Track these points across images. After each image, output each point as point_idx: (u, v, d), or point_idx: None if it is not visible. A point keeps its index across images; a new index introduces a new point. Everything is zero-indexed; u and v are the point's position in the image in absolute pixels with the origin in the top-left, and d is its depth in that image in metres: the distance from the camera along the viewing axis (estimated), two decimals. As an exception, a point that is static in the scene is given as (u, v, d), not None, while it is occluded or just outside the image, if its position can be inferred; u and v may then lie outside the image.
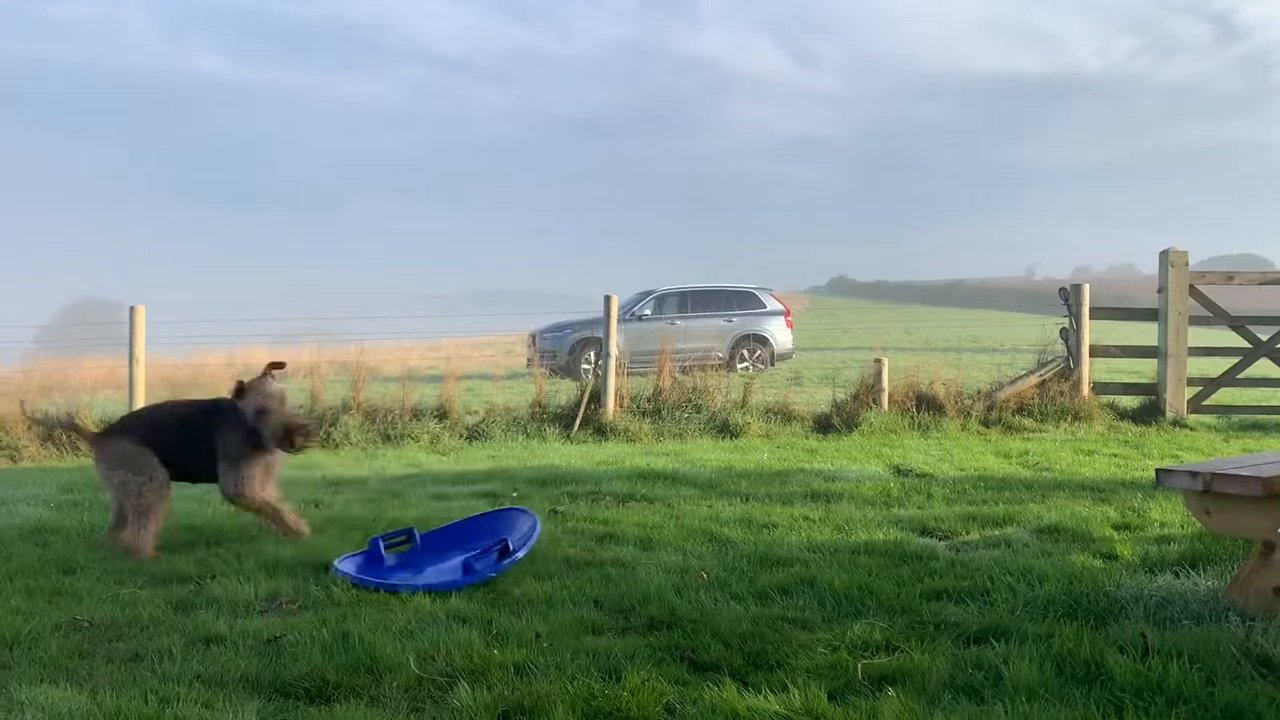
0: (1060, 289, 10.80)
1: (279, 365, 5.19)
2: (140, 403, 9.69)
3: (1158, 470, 3.98)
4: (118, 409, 10.25)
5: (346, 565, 4.39)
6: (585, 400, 10.13)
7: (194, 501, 6.36)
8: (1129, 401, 10.57)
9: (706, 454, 8.40)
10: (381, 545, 4.60)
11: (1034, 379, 10.38)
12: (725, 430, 9.69)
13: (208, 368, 17.27)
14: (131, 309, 9.92)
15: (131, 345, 9.83)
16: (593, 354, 17.46)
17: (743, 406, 10.13)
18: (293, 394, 11.02)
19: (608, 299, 10.65)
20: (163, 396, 10.48)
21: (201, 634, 3.55)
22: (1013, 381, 10.46)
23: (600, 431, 9.83)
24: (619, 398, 10.24)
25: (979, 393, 10.33)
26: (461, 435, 9.75)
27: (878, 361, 10.25)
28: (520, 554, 4.32)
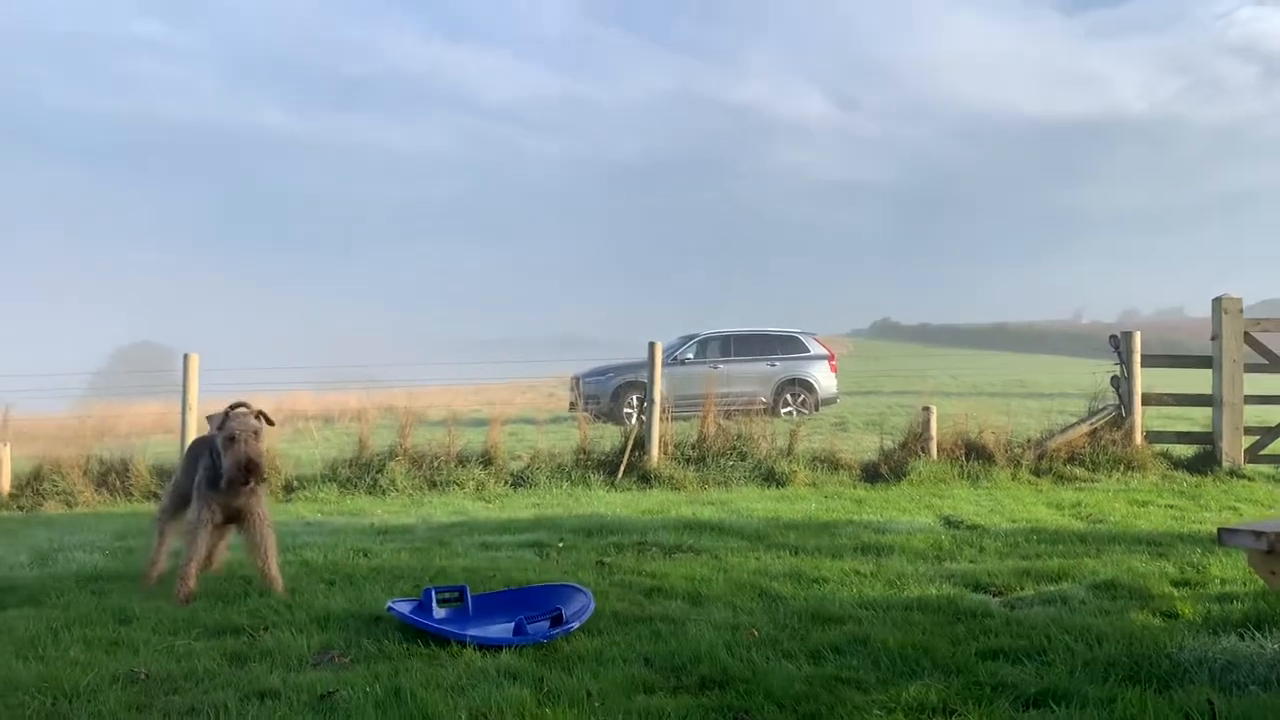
0: (1110, 336, 10.66)
1: (241, 405, 5.19)
2: (192, 449, 9.83)
3: (1220, 530, 3.91)
4: (170, 454, 10.42)
5: (401, 607, 4.43)
6: (629, 447, 10.12)
7: (244, 551, 6.42)
8: (1183, 451, 10.38)
9: (753, 503, 8.35)
10: (434, 596, 4.61)
11: (1085, 427, 10.22)
12: (771, 478, 9.64)
13: (256, 412, 17.50)
14: (185, 356, 10.08)
15: (185, 393, 9.98)
16: (635, 398, 17.48)
17: (789, 454, 10.07)
18: (341, 439, 11.12)
19: (652, 345, 10.68)
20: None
21: (256, 688, 3.57)
22: (1063, 430, 10.31)
23: (645, 479, 9.81)
24: (663, 444, 10.22)
25: (1029, 441, 10.19)
26: (506, 482, 9.77)
27: (925, 409, 10.16)
28: (573, 625, 4.26)
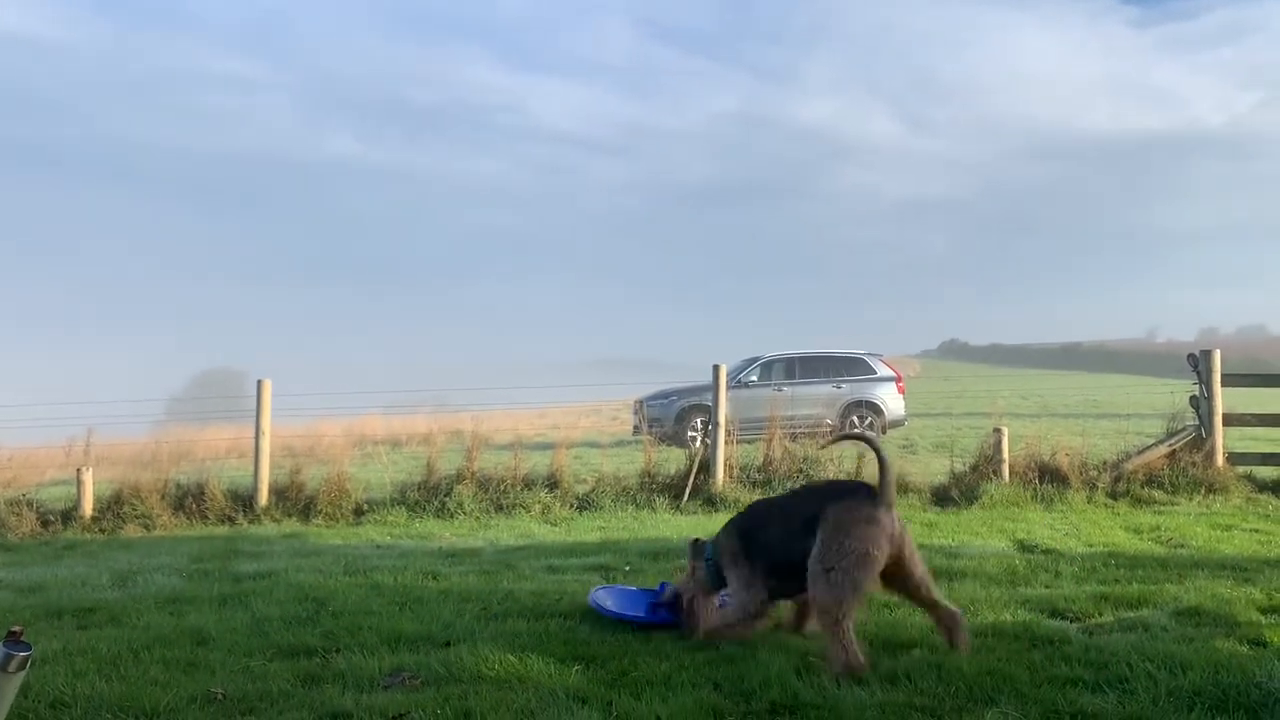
0: (1189, 355, 10.38)
1: None
2: (266, 472, 10.04)
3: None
4: (243, 479, 10.65)
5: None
6: (694, 470, 10.09)
7: (316, 574, 6.53)
8: (1268, 473, 10.02)
9: (820, 527, 8.24)
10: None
11: (1164, 449, 9.94)
12: (838, 502, 9.51)
13: (326, 437, 17.84)
14: (259, 383, 10.31)
15: (258, 418, 10.20)
16: (699, 421, 17.44)
17: (856, 477, 9.93)
18: (409, 462, 11.24)
19: (716, 368, 10.66)
20: (284, 465, 10.87)
21: (329, 709, 3.61)
22: (1141, 451, 10.04)
23: (710, 502, 9.77)
24: (728, 468, 10.17)
25: (1105, 463, 9.94)
26: (572, 505, 9.80)
27: (997, 431, 9.97)
28: None
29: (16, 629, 2.52)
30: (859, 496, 4.22)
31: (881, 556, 4.10)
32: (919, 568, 4.26)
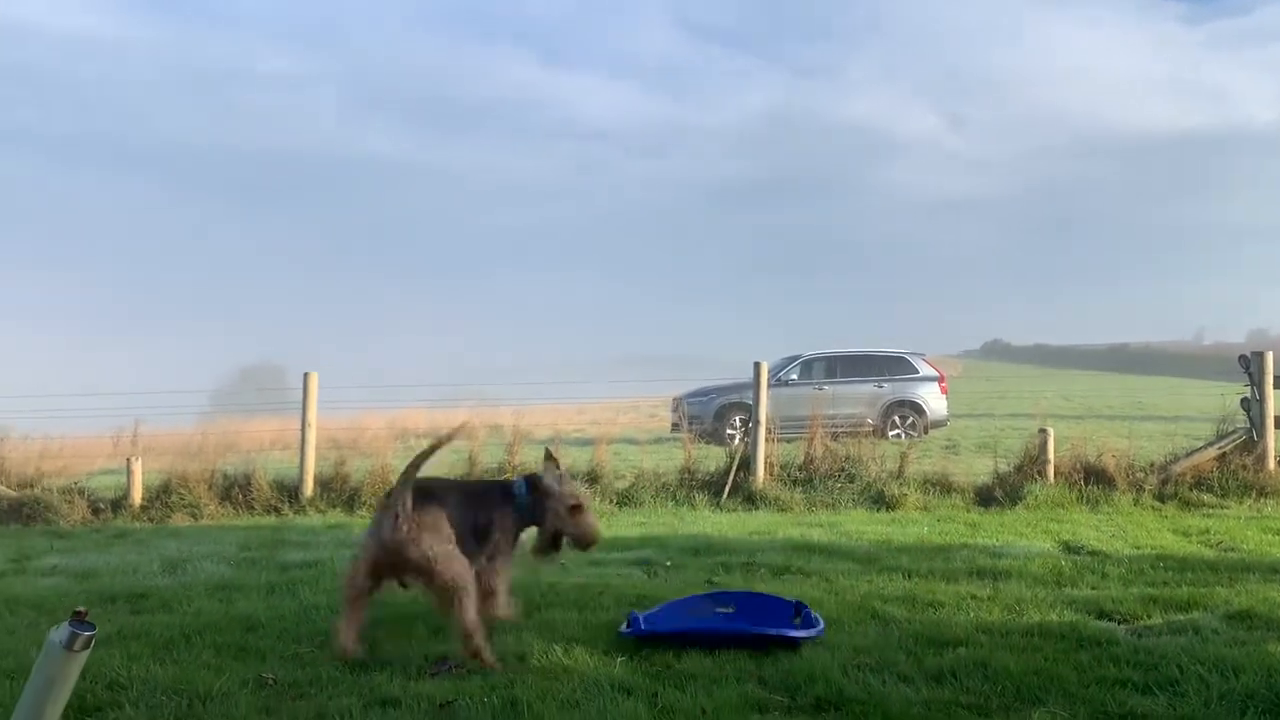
0: (1240, 356, 10.21)
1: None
2: (311, 463, 10.18)
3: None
4: (288, 470, 10.79)
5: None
6: (735, 468, 10.08)
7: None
8: (1321, 477, 9.83)
9: (862, 526, 8.22)
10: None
11: (1213, 451, 9.78)
12: (880, 501, 9.48)
13: (370, 430, 18.04)
14: (306, 375, 10.45)
15: (304, 410, 10.33)
16: (738, 419, 17.41)
17: (899, 477, 9.89)
18: (451, 456, 11.38)
19: (757, 365, 10.64)
20: (329, 457, 11.01)
21: (378, 696, 3.66)
22: (1189, 454, 9.88)
23: (750, 500, 9.76)
24: (769, 465, 10.15)
25: (1152, 465, 9.80)
26: (612, 500, 9.83)
27: (1042, 431, 9.87)
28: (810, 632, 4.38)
29: (81, 610, 2.58)
30: None
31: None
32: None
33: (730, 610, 4.81)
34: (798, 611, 4.61)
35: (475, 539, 4.42)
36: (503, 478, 4.57)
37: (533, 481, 4.60)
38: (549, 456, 4.76)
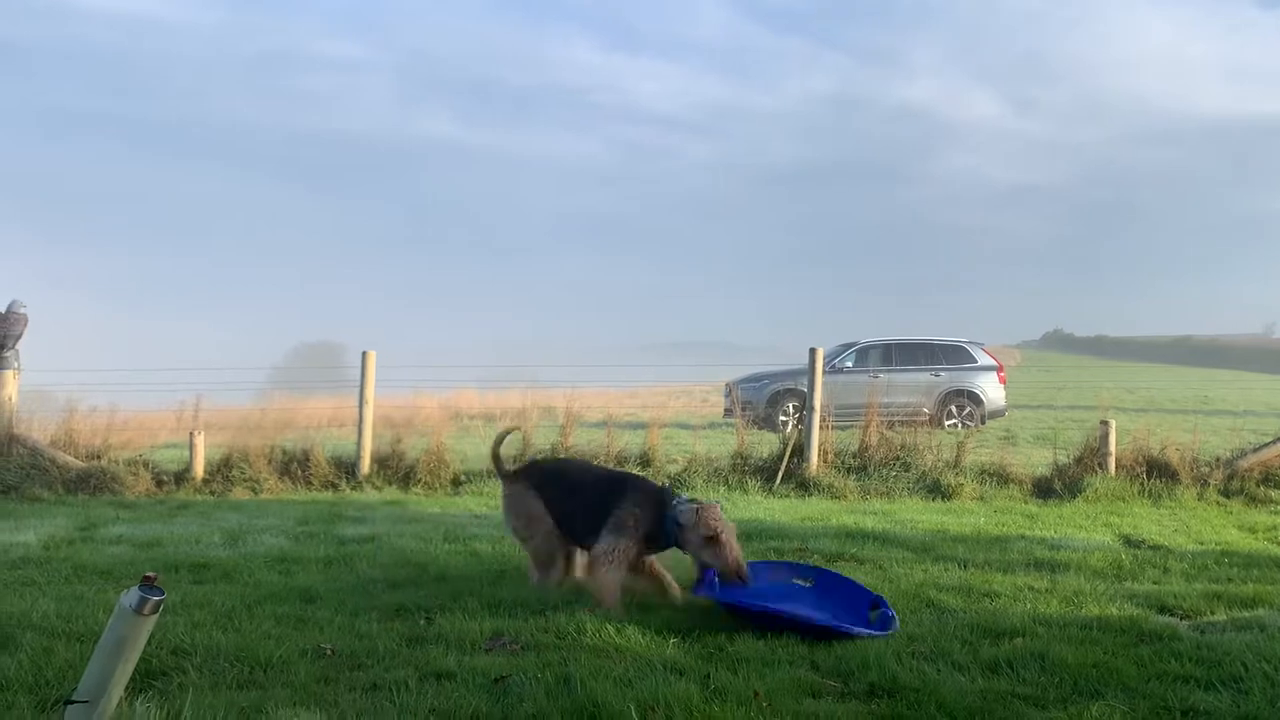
0: (1312, 350, 9.91)
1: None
2: (368, 441, 10.32)
3: None
4: (345, 447, 10.95)
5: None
6: (789, 454, 10.03)
7: (417, 540, 6.70)
8: (1396, 475, 9.53)
9: (917, 515, 8.14)
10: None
11: (1281, 447, 9.52)
12: (936, 491, 9.37)
13: (424, 409, 18.24)
14: (364, 354, 10.56)
15: (362, 387, 10.46)
16: (790, 405, 17.31)
17: (955, 467, 9.76)
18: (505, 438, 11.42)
19: (813, 352, 10.55)
20: (384, 435, 11.16)
21: (433, 669, 3.71)
22: (1257, 449, 9.63)
23: (803, 486, 9.70)
24: (823, 452, 10.08)
25: (1217, 460, 9.57)
26: (663, 484, 9.81)
27: (1104, 423, 9.67)
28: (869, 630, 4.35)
29: (151, 575, 2.64)
30: None
31: None
32: None
33: (808, 584, 4.80)
34: (875, 605, 4.54)
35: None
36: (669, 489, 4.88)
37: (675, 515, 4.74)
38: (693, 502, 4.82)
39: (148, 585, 2.62)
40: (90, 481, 9.86)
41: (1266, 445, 9.66)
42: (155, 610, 2.64)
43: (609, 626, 4.20)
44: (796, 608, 4.52)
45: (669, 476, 9.96)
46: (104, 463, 10.14)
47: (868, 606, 4.55)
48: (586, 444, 10.50)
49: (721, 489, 9.68)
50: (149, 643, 3.74)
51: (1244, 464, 9.40)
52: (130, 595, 2.63)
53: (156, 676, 3.63)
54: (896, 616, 4.44)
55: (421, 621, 4.45)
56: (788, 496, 9.41)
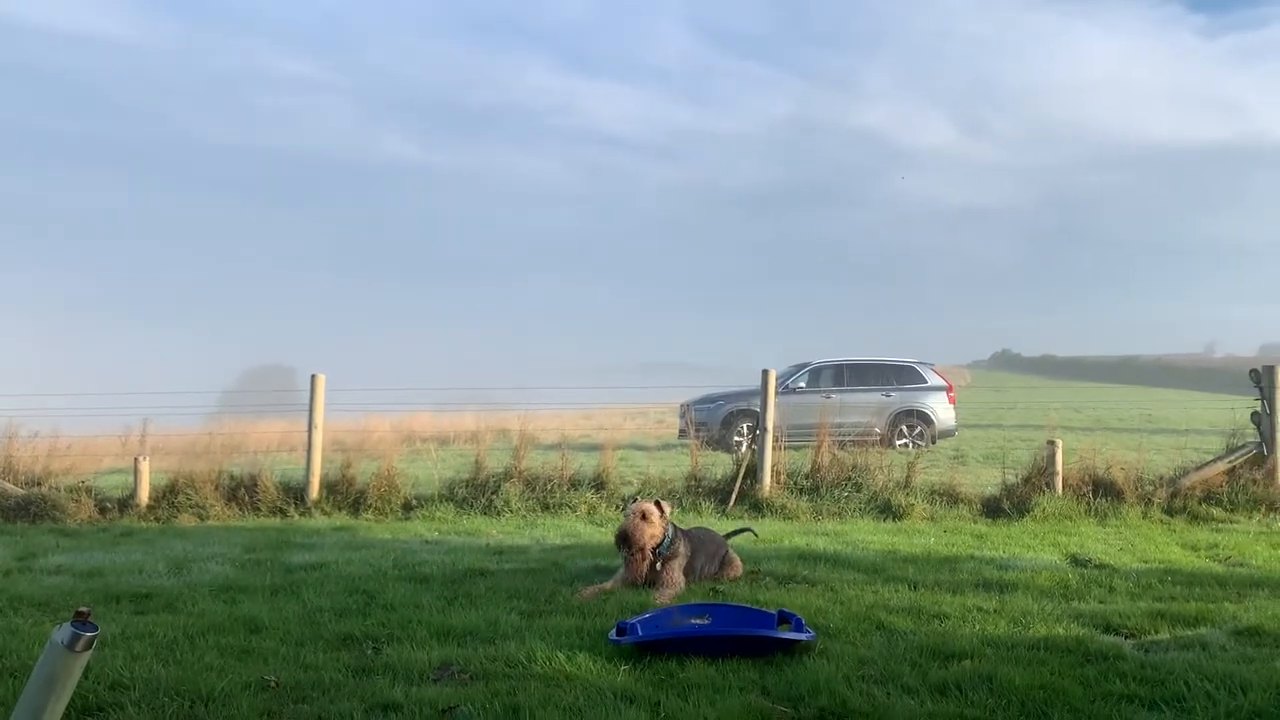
0: (1251, 370, 10.15)
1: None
2: (318, 465, 10.18)
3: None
4: (295, 472, 10.80)
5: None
6: (741, 475, 10.05)
7: (366, 567, 6.61)
8: (1332, 492, 9.76)
9: (868, 535, 8.19)
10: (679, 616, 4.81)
11: (1223, 465, 9.73)
12: (887, 511, 9.44)
13: (376, 432, 18.03)
14: (313, 377, 10.44)
15: (311, 411, 10.33)
16: (745, 426, 17.37)
17: (906, 487, 9.85)
18: (457, 459, 11.32)
19: (765, 373, 10.61)
20: (335, 459, 11.02)
21: (379, 700, 3.65)
22: (1199, 467, 9.83)
23: (756, 507, 9.73)
24: (775, 473, 10.12)
25: (1161, 478, 9.75)
26: (618, 506, 9.80)
27: (1051, 443, 9.82)
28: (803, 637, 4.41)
29: (84, 610, 2.58)
30: None
31: None
32: None
33: (705, 621, 4.77)
34: (784, 620, 4.62)
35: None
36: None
37: None
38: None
39: (81, 621, 2.55)
40: (30, 509, 9.62)
41: (1208, 463, 9.86)
42: (88, 647, 2.57)
43: (559, 654, 4.17)
44: (720, 629, 4.58)
45: (622, 499, 9.94)
46: (45, 489, 9.90)
47: (775, 623, 4.63)
48: (541, 466, 10.44)
49: (676, 511, 9.67)
50: (85, 677, 3.65)
51: (1186, 482, 9.58)
52: (62, 631, 2.56)
53: (93, 712, 3.53)
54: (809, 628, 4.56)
55: (369, 651, 4.38)
56: (741, 518, 9.42)
